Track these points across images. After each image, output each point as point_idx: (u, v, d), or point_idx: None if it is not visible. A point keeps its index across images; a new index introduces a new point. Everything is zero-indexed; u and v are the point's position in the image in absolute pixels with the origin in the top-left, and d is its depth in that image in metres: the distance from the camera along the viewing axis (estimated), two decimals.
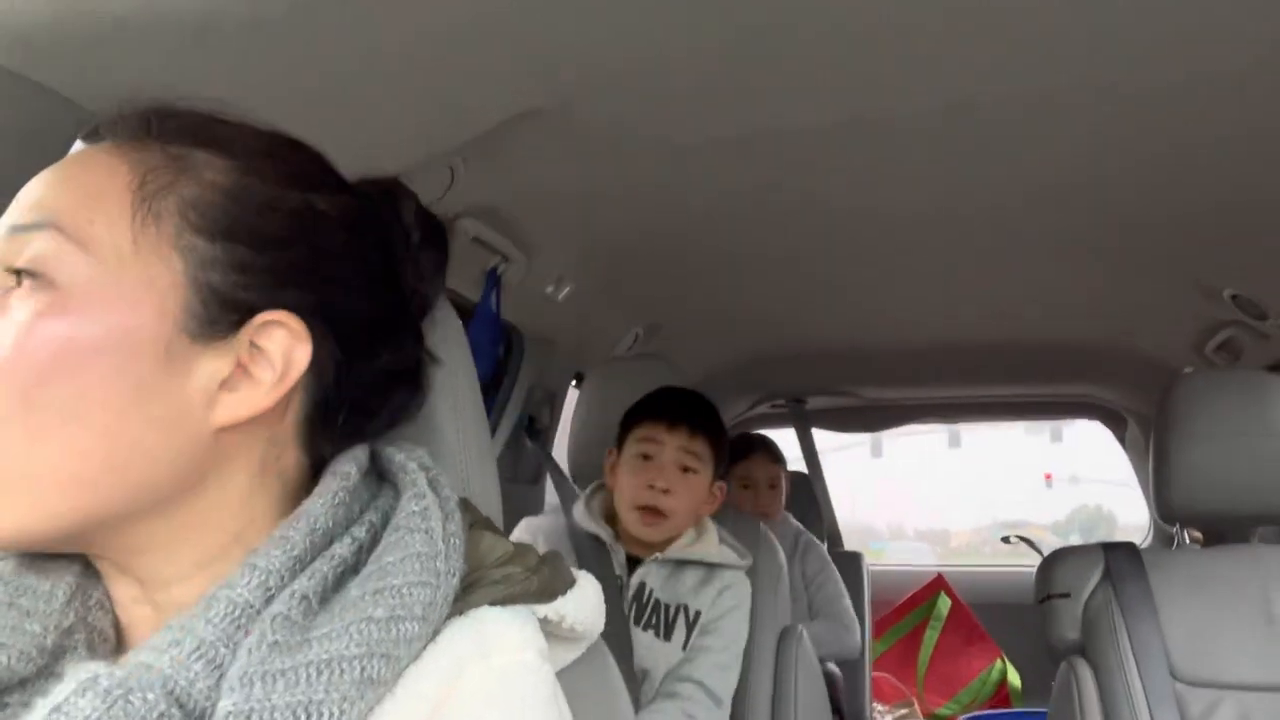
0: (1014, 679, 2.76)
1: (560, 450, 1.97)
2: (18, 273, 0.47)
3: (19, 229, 0.48)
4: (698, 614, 1.41)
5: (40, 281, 0.47)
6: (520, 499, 1.98)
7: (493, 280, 1.63)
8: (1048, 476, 12.09)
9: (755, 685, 1.46)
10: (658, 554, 1.43)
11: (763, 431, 2.71)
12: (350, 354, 0.53)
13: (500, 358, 1.95)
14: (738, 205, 1.55)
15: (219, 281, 0.49)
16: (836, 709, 2.09)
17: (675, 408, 1.46)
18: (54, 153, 0.85)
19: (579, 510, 1.49)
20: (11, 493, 0.46)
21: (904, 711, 2.67)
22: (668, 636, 1.40)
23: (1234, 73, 1.06)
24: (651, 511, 1.40)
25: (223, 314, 0.49)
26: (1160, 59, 1.04)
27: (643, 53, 1.03)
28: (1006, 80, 1.10)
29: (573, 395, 2.10)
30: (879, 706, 2.70)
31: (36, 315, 0.46)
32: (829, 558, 2.47)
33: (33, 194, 0.50)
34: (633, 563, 1.45)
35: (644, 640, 1.38)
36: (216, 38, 0.85)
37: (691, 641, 1.40)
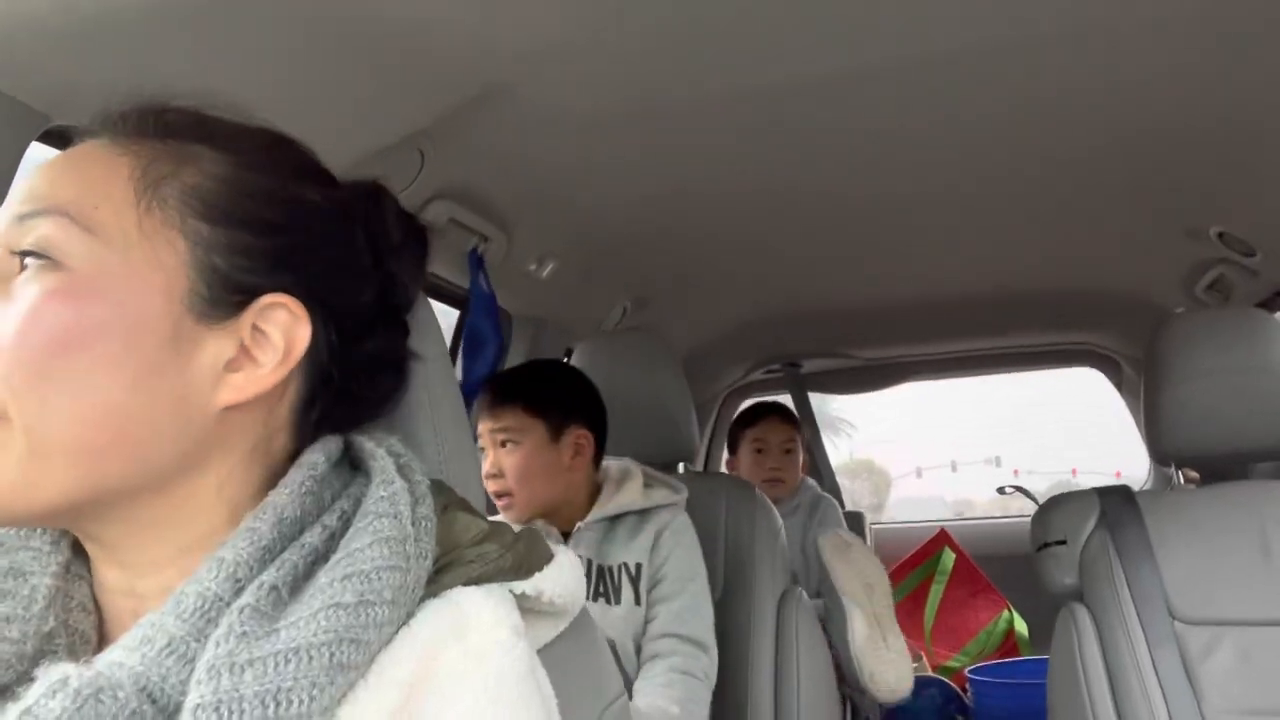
0: (1021, 628, 2.78)
1: None
2: (23, 256, 0.49)
3: (24, 216, 0.50)
4: (638, 566, 1.38)
5: (48, 263, 0.48)
6: None
7: (477, 262, 1.62)
8: None
9: (757, 648, 1.47)
10: (579, 522, 1.41)
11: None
12: (344, 339, 0.55)
13: (505, 339, 1.94)
14: (718, 172, 1.53)
15: (222, 264, 0.51)
16: (841, 670, 2.10)
17: (483, 395, 1.44)
18: (9, 155, 0.84)
19: None
20: (25, 460, 0.47)
21: (913, 665, 2.69)
22: (616, 599, 1.38)
23: (1202, 8, 1.05)
24: (500, 496, 1.39)
25: (226, 295, 0.51)
26: (1132, 3, 1.02)
27: (605, 21, 1.02)
28: (985, 29, 1.09)
29: None
30: None
31: (47, 295, 0.48)
32: (847, 529, 2.46)
33: (34, 185, 0.51)
34: (567, 538, 1.42)
35: (595, 610, 1.34)
36: (174, 29, 0.84)
37: (644, 597, 1.38)
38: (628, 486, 1.44)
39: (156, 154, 0.52)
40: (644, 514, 1.42)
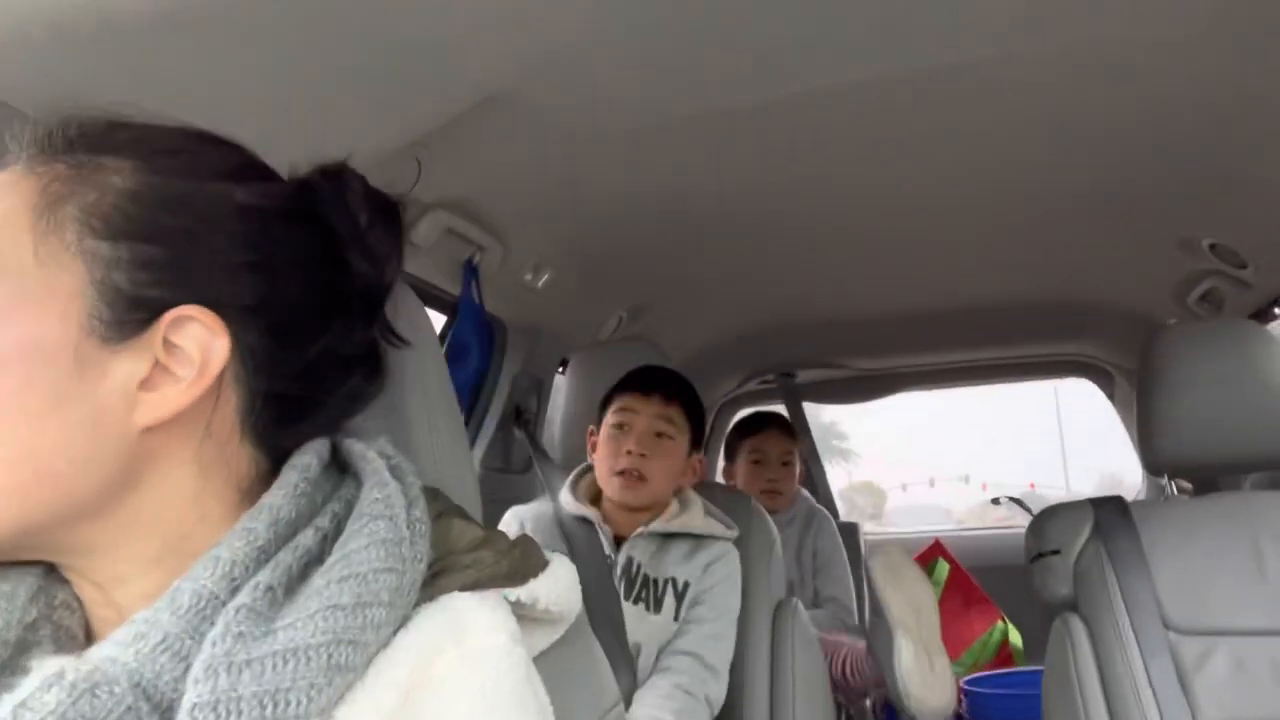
0: (1015, 639, 2.77)
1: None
2: None
3: None
4: (686, 585, 1.43)
5: None
6: (512, 488, 1.98)
7: (470, 273, 1.62)
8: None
9: (752, 658, 1.47)
10: (642, 529, 1.45)
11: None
12: (283, 342, 0.53)
13: (491, 351, 1.94)
14: (712, 183, 1.54)
15: (123, 281, 0.49)
16: (850, 678, 2.10)
17: (649, 379, 1.52)
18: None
19: (565, 494, 1.51)
20: None
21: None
22: (657, 609, 1.42)
23: (1197, 24, 1.06)
24: (630, 476, 1.44)
25: (129, 314, 0.49)
26: (1127, 19, 1.03)
27: (602, 33, 1.02)
28: (977, 44, 1.09)
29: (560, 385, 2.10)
30: None
31: None
32: (841, 544, 2.46)
33: None
34: (621, 542, 1.46)
35: (634, 614, 1.39)
36: (169, 35, 0.84)
37: (683, 614, 1.42)
38: (691, 510, 1.50)
39: (57, 174, 0.50)
40: (699, 540, 1.48)
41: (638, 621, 1.39)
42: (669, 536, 1.47)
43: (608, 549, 1.44)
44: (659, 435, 1.47)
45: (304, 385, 0.54)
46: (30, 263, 0.48)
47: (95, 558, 0.50)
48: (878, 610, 1.89)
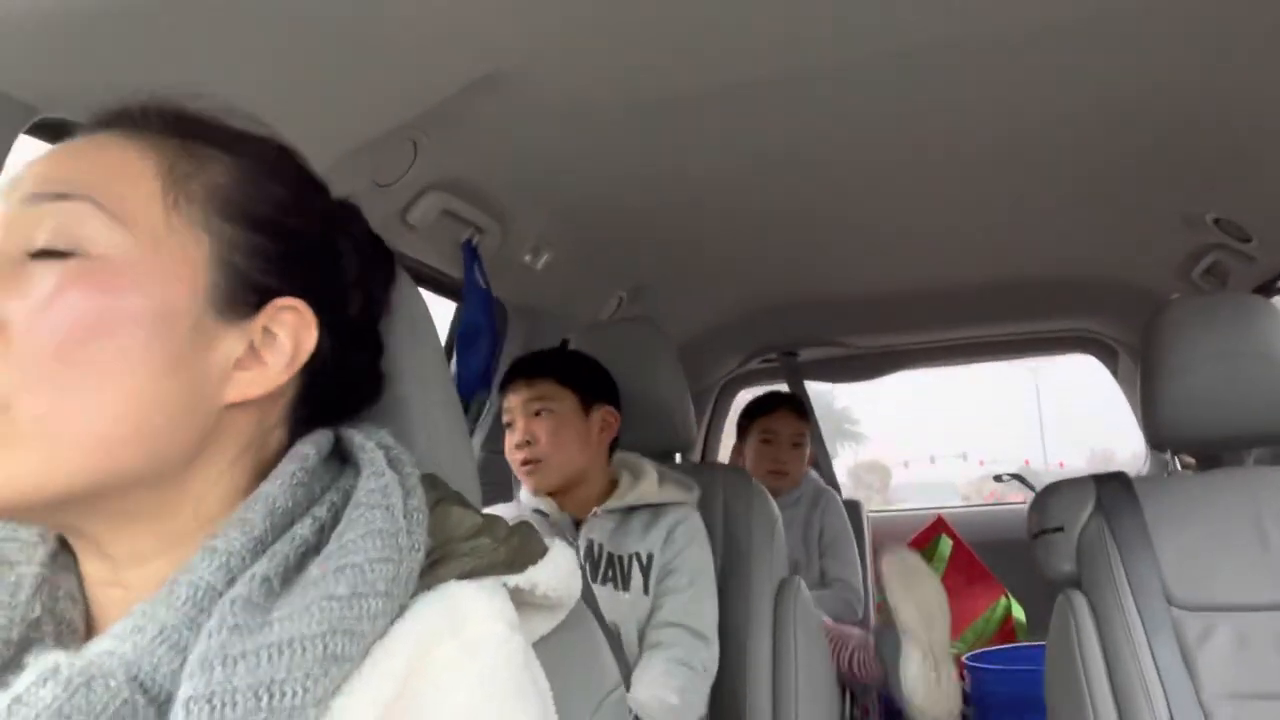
0: (1019, 614, 2.78)
1: None
2: (44, 242, 0.48)
3: (42, 197, 0.49)
4: (650, 557, 1.42)
5: (74, 249, 0.48)
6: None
7: (471, 253, 1.61)
8: None
9: (755, 638, 1.47)
10: (596, 509, 1.45)
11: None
12: (339, 346, 0.56)
13: (503, 330, 1.94)
14: (712, 161, 1.53)
15: (242, 264, 0.52)
16: (855, 673, 2.11)
17: (511, 372, 1.52)
18: None
19: (522, 492, 1.51)
20: (35, 449, 0.46)
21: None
22: (625, 586, 1.41)
23: (1202, 3, 1.04)
24: (527, 466, 1.45)
25: (245, 295, 0.52)
26: None
27: (600, 10, 1.01)
28: (980, 18, 1.08)
29: None
30: None
31: (75, 281, 0.47)
32: (848, 524, 2.46)
33: (48, 170, 0.51)
34: (580, 526, 1.47)
35: (604, 595, 1.39)
36: (164, 19, 0.83)
37: (653, 587, 1.41)
38: (644, 481, 1.48)
39: (179, 152, 0.52)
40: (658, 509, 1.47)
41: (609, 601, 1.38)
42: (627, 511, 1.46)
43: (568, 536, 1.44)
44: (538, 414, 1.46)
45: (341, 389, 0.58)
46: (163, 229, 0.50)
47: (128, 527, 0.50)
48: (886, 613, 1.89)
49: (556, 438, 1.45)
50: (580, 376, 1.50)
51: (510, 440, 1.48)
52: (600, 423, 1.49)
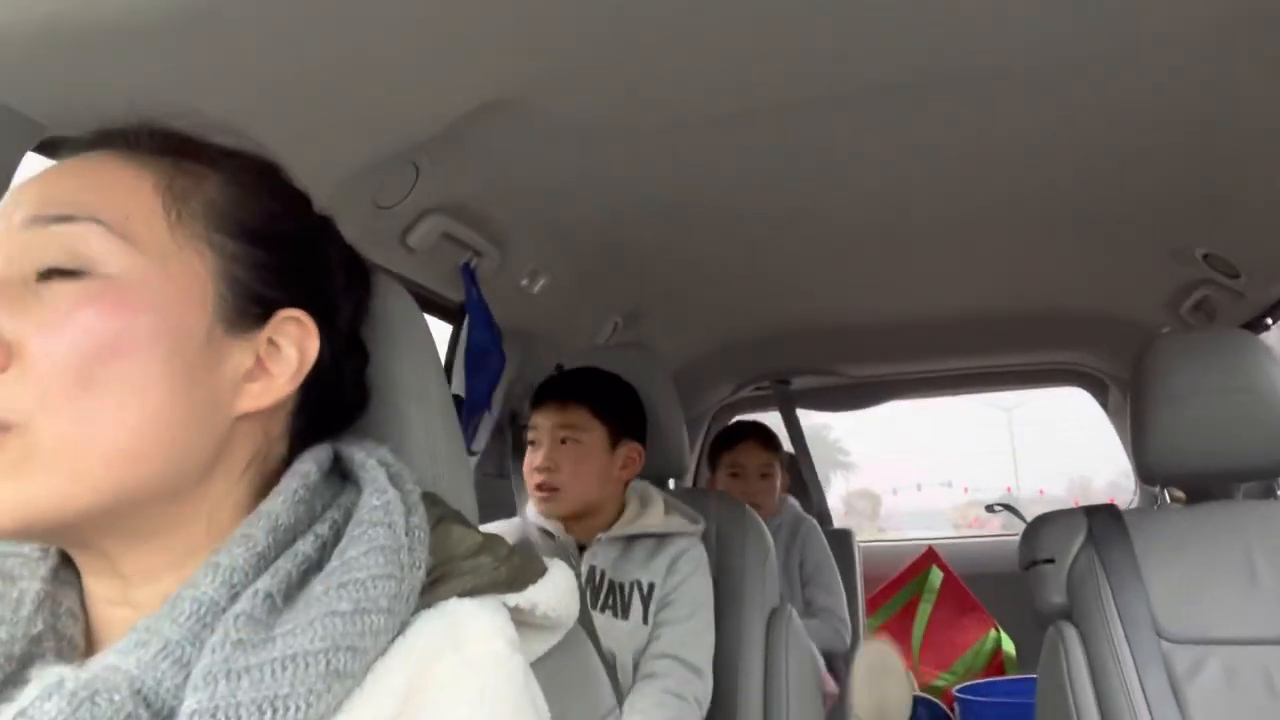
0: (1008, 648, 2.78)
1: None
2: (52, 263, 0.48)
3: (45, 220, 0.49)
4: (651, 586, 1.41)
5: (84, 271, 0.48)
6: (506, 495, 1.98)
7: (470, 277, 1.62)
8: None
9: (746, 666, 1.46)
10: (601, 535, 1.44)
11: (756, 418, 2.70)
12: (335, 353, 0.57)
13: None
14: (710, 189, 1.54)
15: (244, 277, 0.53)
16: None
17: (546, 389, 1.50)
18: (5, 165, 0.84)
19: (529, 508, 1.50)
20: (59, 469, 0.46)
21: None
22: (625, 614, 1.40)
23: (1195, 35, 1.07)
24: (543, 489, 1.43)
25: (250, 307, 0.53)
26: (1120, 23, 1.04)
27: (601, 39, 1.03)
28: (973, 51, 1.10)
29: None
30: None
31: (90, 302, 0.48)
32: (829, 551, 2.44)
33: (49, 191, 0.51)
34: (585, 550, 1.46)
35: (602, 621, 1.38)
36: (171, 40, 0.84)
37: (652, 617, 1.40)
38: (651, 510, 1.47)
39: (174, 170, 0.53)
40: (662, 538, 1.46)
41: (608, 628, 1.37)
42: (631, 539, 1.45)
43: (572, 559, 1.44)
44: (564, 442, 1.45)
45: (336, 396, 0.58)
46: (169, 245, 0.51)
47: (143, 544, 0.50)
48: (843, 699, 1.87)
49: (578, 469, 1.43)
50: (615, 409, 1.48)
51: (531, 458, 1.46)
52: (624, 459, 1.48)
